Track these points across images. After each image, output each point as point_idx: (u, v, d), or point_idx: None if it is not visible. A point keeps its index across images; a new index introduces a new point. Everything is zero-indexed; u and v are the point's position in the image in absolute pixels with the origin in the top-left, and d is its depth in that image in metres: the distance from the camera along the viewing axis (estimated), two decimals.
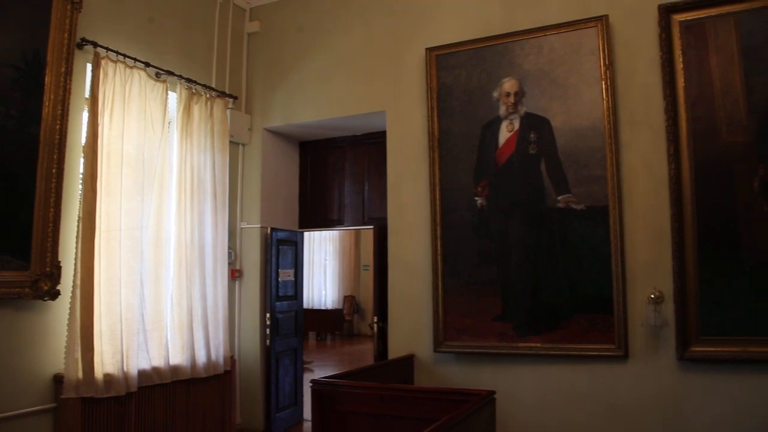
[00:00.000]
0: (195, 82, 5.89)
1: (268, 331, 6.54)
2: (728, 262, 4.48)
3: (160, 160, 5.34)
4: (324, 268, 17.46)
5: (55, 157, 4.50)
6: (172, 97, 5.63)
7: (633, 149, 4.89)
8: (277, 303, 6.70)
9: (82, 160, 4.81)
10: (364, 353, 12.92)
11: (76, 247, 4.63)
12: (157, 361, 5.20)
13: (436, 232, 5.49)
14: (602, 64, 4.96)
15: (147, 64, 5.30)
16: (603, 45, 4.96)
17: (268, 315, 6.56)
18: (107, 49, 4.93)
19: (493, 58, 5.38)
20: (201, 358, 5.58)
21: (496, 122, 5.34)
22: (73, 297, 4.56)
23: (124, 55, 5.08)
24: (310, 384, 4.33)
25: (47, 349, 4.55)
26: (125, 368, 4.78)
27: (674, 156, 4.65)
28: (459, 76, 5.52)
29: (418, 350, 5.59)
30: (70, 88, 4.62)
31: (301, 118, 6.56)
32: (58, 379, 4.54)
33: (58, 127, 4.53)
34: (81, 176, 4.79)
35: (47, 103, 4.48)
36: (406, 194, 5.80)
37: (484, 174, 5.35)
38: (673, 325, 4.61)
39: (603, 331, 4.82)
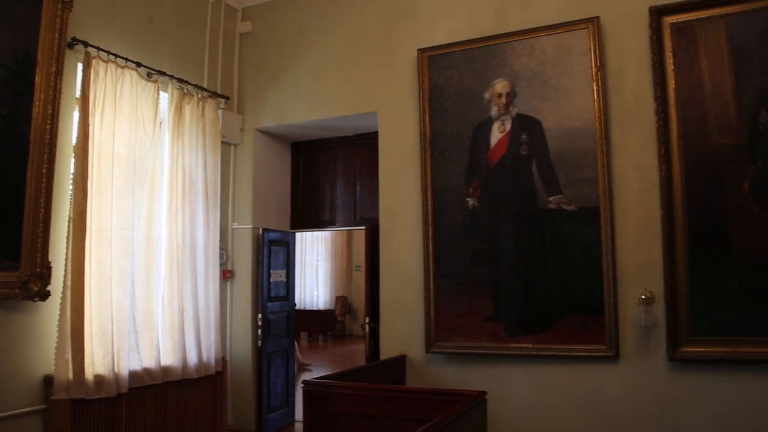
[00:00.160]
0: (187, 82, 5.87)
1: (259, 331, 6.53)
2: (718, 264, 4.51)
3: (151, 161, 5.32)
4: (316, 269, 17.45)
5: (45, 156, 4.48)
6: (164, 97, 5.61)
7: (624, 150, 4.91)
8: (269, 303, 6.69)
9: (72, 160, 4.78)
10: (356, 354, 12.91)
11: (67, 248, 4.61)
12: (148, 362, 5.18)
13: (427, 233, 5.50)
14: (593, 65, 4.98)
15: (138, 64, 5.28)
16: (594, 46, 4.98)
17: (259, 316, 6.55)
18: (98, 48, 4.91)
19: (485, 59, 5.39)
20: (192, 358, 5.56)
21: (487, 123, 5.36)
22: (63, 298, 4.53)
23: (116, 55, 5.06)
24: (302, 385, 4.33)
25: (37, 350, 4.52)
26: (116, 369, 4.76)
27: (665, 157, 4.67)
28: (451, 77, 5.53)
29: (409, 351, 5.60)
30: (60, 88, 4.60)
31: (293, 119, 6.56)
32: (48, 381, 4.51)
33: (48, 126, 4.50)
34: (72, 176, 4.77)
35: (38, 103, 4.46)
36: (397, 195, 5.81)
37: (476, 175, 5.36)
38: (663, 326, 4.63)
39: (594, 331, 4.84)
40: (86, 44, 4.83)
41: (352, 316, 17.50)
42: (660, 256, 4.66)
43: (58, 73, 4.58)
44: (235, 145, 6.74)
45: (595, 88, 4.96)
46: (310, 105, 6.45)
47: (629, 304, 4.78)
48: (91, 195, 4.73)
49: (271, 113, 6.66)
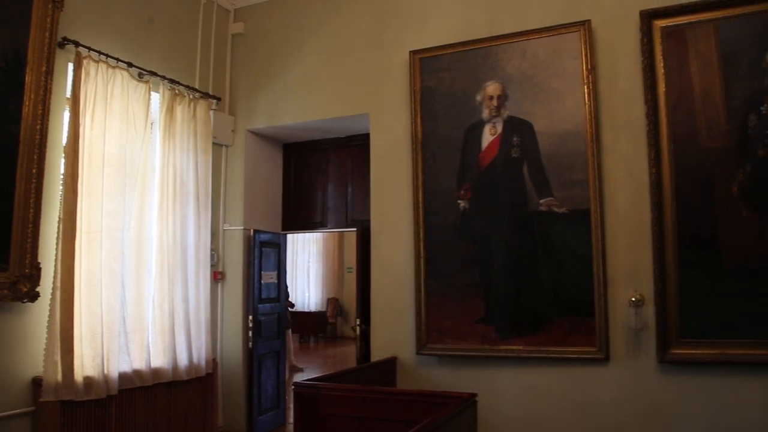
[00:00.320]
0: (178, 82, 5.86)
1: (250, 333, 6.51)
2: (708, 266, 4.53)
3: (142, 161, 5.30)
4: (307, 271, 17.42)
5: (35, 157, 4.45)
6: (155, 97, 5.59)
7: (614, 153, 4.93)
8: (260, 305, 6.68)
9: (63, 161, 4.76)
10: (348, 355, 12.89)
11: (57, 249, 4.58)
12: (138, 364, 5.16)
13: (419, 235, 5.50)
14: (584, 68, 5.00)
15: (130, 65, 5.27)
16: (585, 50, 4.99)
17: (250, 317, 6.53)
18: (89, 48, 4.89)
19: (477, 61, 5.41)
20: (183, 360, 5.54)
21: (479, 125, 5.37)
22: (52, 299, 4.51)
23: (107, 55, 5.04)
24: (293, 386, 4.32)
25: (26, 352, 4.49)
26: (105, 371, 4.74)
27: (655, 160, 4.70)
28: (443, 79, 5.54)
29: (400, 353, 5.60)
30: (51, 88, 4.58)
31: (285, 120, 6.55)
32: (36, 382, 4.48)
33: (38, 126, 4.48)
34: (62, 176, 4.74)
35: (27, 103, 4.43)
36: (389, 197, 5.81)
37: (467, 177, 5.37)
38: (653, 328, 4.65)
39: (584, 333, 4.86)
40: (77, 44, 4.80)
41: (343, 318, 17.46)
42: (650, 258, 4.68)
43: (49, 73, 4.56)
44: (226, 146, 6.72)
45: (586, 91, 4.98)
46: (302, 106, 6.44)
47: (619, 306, 4.80)
48: (82, 196, 4.71)
49: (263, 114, 6.65)
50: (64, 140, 4.77)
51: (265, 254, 6.80)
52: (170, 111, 5.71)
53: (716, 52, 4.60)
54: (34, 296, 4.45)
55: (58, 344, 4.48)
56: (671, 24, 4.75)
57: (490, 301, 5.21)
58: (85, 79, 4.82)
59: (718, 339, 4.45)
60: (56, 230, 4.62)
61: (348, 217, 7.00)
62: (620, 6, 4.98)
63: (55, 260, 4.56)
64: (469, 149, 5.38)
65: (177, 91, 5.83)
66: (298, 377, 9.67)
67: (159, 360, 5.37)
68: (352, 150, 6.96)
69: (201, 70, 6.40)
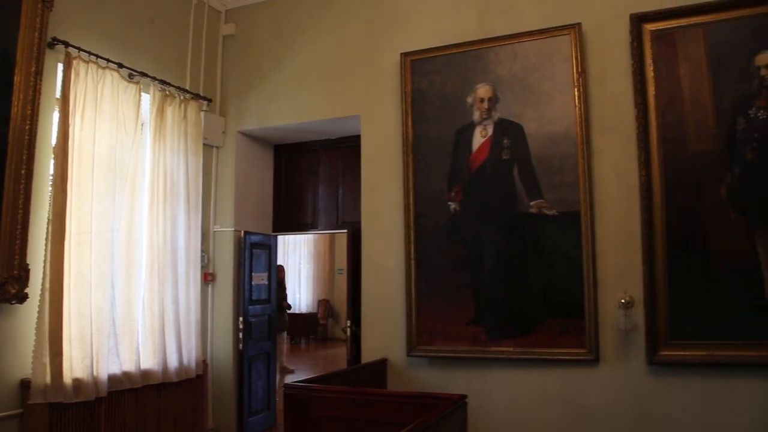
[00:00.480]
0: (169, 83, 5.84)
1: (240, 334, 6.50)
2: (697, 268, 4.56)
3: (132, 162, 5.28)
4: (298, 272, 17.39)
5: (24, 157, 4.42)
6: (146, 98, 5.57)
7: (605, 156, 4.95)
8: (250, 307, 6.66)
9: (52, 161, 4.73)
10: (338, 357, 12.88)
11: (46, 250, 4.55)
12: (128, 366, 5.13)
13: (409, 237, 5.50)
14: (575, 71, 5.02)
15: (120, 65, 5.25)
16: (576, 53, 5.02)
17: (240, 319, 6.52)
18: (79, 49, 4.87)
19: (468, 63, 5.42)
20: (173, 362, 5.52)
21: (469, 128, 5.38)
22: (41, 300, 4.48)
23: (97, 56, 5.02)
24: (283, 388, 4.31)
25: (14, 354, 4.46)
26: (95, 373, 4.72)
27: (645, 163, 4.73)
28: (434, 81, 5.55)
29: (391, 354, 5.60)
30: (40, 88, 4.55)
31: (276, 122, 6.54)
32: (25, 384, 4.45)
33: (27, 127, 4.45)
34: (51, 177, 4.72)
35: (16, 103, 4.40)
36: (380, 198, 5.81)
37: (458, 179, 5.38)
38: (643, 330, 4.67)
39: (574, 335, 4.87)
40: (67, 44, 4.78)
41: (334, 320, 17.45)
42: (639, 260, 4.71)
43: (38, 73, 4.53)
44: (217, 147, 6.70)
45: (576, 93, 5.00)
46: (293, 108, 6.43)
47: (609, 307, 4.82)
48: (71, 196, 4.68)
49: (254, 116, 6.63)
50: (54, 141, 4.74)
51: (255, 256, 6.79)
52: (161, 112, 5.70)
53: (705, 56, 4.64)
54: (22, 298, 4.42)
55: (46, 346, 4.46)
56: (661, 28, 4.78)
57: (480, 303, 5.21)
58: (75, 79, 4.79)
59: (706, 340, 4.48)
60: (45, 231, 4.59)
61: (339, 218, 6.99)
62: (610, 10, 5.00)
63: (44, 261, 4.53)
64: (460, 151, 5.39)
65: (167, 92, 5.82)
66: (289, 379, 9.65)
67: (149, 362, 5.35)
68: (342, 151, 6.96)
69: (192, 71, 6.38)
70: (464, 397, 3.91)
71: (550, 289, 4.99)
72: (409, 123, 5.59)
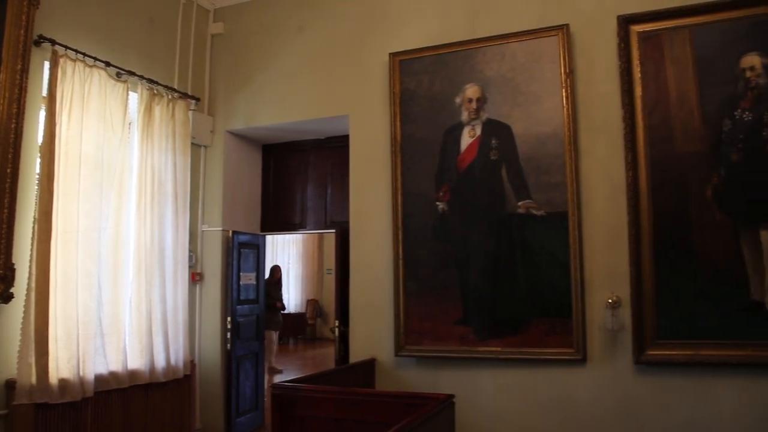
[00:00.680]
0: (157, 82, 5.81)
1: (228, 334, 6.48)
2: (683, 268, 4.59)
3: (119, 162, 5.26)
4: (287, 272, 17.34)
5: (9, 156, 4.39)
6: (133, 97, 5.54)
7: (592, 156, 4.98)
8: (239, 306, 6.65)
9: (38, 160, 4.69)
10: (327, 357, 12.85)
11: (32, 249, 4.51)
12: (115, 366, 5.11)
13: (397, 237, 5.51)
14: (563, 72, 5.04)
15: (107, 64, 5.22)
16: (564, 53, 5.04)
17: (228, 318, 6.50)
18: (66, 47, 4.84)
19: (456, 64, 5.43)
20: (160, 362, 5.50)
21: (458, 128, 5.39)
22: (27, 300, 4.44)
23: (84, 54, 4.99)
24: (271, 388, 4.30)
25: None
26: (81, 373, 4.69)
27: (632, 163, 4.75)
28: (422, 81, 5.55)
29: (379, 354, 5.60)
30: (26, 87, 4.52)
31: (264, 121, 6.53)
32: (10, 385, 4.42)
33: (13, 126, 4.41)
34: (37, 176, 4.67)
35: (2, 101, 4.36)
36: (368, 198, 5.81)
37: (446, 179, 5.39)
38: (630, 329, 4.69)
39: (562, 335, 4.89)
40: (53, 42, 4.75)
41: (322, 320, 17.42)
42: (626, 260, 4.73)
43: (24, 71, 4.50)
44: (205, 146, 6.68)
45: (564, 94, 5.02)
46: (282, 107, 6.42)
47: (596, 307, 4.84)
48: (58, 196, 4.65)
49: (242, 115, 6.62)
50: (40, 139, 4.70)
51: (243, 255, 6.77)
52: (148, 111, 5.67)
53: (692, 58, 4.67)
54: (8, 297, 4.39)
55: (32, 346, 4.42)
56: (648, 29, 4.81)
57: (468, 303, 5.23)
58: (62, 78, 4.76)
59: (693, 340, 4.51)
60: (31, 230, 4.55)
61: (327, 218, 6.99)
62: (598, 11, 5.03)
63: (30, 261, 4.49)
64: (448, 151, 5.40)
65: (155, 91, 5.79)
66: (278, 379, 9.64)
67: (136, 362, 5.32)
68: (331, 151, 6.95)
69: (180, 70, 6.35)
70: (452, 396, 3.92)
71: (537, 289, 5.01)
72: (398, 123, 5.60)
